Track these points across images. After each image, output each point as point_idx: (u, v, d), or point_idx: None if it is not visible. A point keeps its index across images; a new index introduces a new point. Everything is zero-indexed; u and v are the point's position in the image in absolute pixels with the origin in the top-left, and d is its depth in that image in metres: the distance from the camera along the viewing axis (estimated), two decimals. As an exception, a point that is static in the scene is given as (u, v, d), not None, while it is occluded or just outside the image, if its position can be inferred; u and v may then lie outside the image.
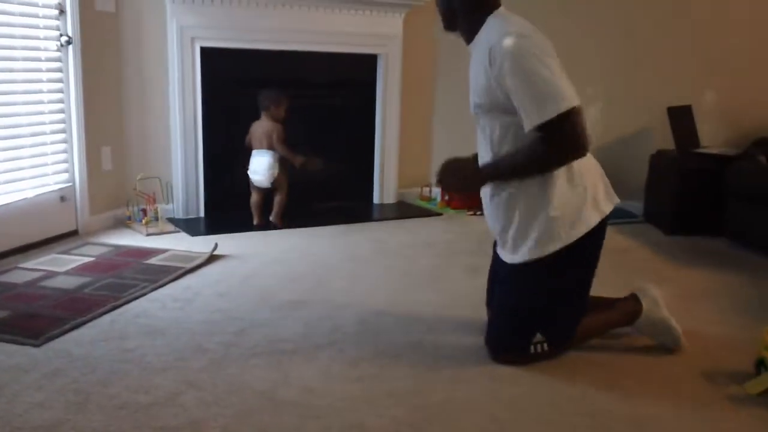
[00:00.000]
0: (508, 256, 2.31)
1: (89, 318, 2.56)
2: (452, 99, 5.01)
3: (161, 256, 3.39)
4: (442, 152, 4.94)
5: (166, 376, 2.11)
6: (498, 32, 2.11)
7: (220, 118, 4.34)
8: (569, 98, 2.04)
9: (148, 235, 3.85)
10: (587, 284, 2.32)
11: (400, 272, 3.30)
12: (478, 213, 4.68)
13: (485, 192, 2.35)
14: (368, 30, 4.63)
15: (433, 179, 2.29)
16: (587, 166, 2.24)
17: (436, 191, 4.92)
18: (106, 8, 3.89)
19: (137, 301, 2.78)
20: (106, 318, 2.58)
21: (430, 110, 5.07)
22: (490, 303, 2.55)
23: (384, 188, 4.93)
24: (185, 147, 4.22)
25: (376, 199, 4.93)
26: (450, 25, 2.34)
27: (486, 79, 2.15)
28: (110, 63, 3.98)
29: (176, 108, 4.17)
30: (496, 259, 2.47)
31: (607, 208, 2.25)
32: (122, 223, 4.06)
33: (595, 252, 2.29)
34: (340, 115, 4.58)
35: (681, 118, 4.28)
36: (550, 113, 2.03)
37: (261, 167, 4.06)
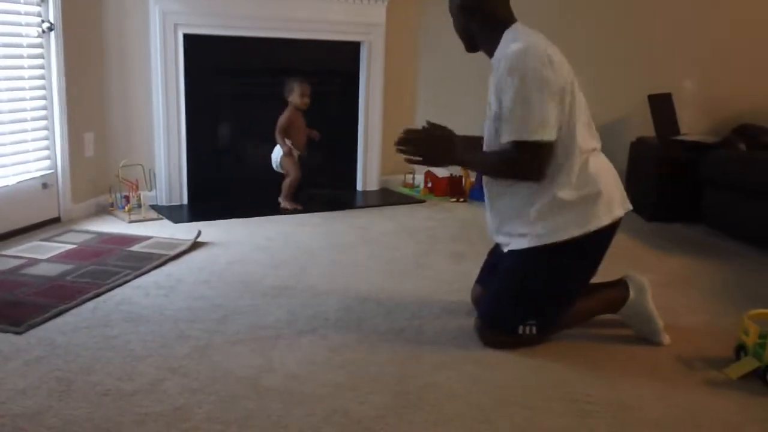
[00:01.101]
0: (516, 242, 2.32)
1: (72, 305, 2.55)
2: (434, 87, 5.03)
3: (144, 243, 3.38)
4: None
5: (149, 363, 2.11)
6: (513, 43, 2.20)
7: (203, 105, 4.32)
8: (543, 131, 2.14)
9: (130, 222, 3.83)
10: (585, 281, 2.35)
11: (383, 259, 3.31)
12: (461, 200, 4.70)
13: (490, 183, 2.38)
14: (351, 18, 4.63)
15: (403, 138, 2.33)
16: (604, 169, 2.30)
17: (419, 178, 4.93)
18: (88, -6, 3.86)
19: (120, 288, 2.78)
20: (89, 305, 2.58)
21: (413, 98, 5.08)
22: (482, 280, 2.57)
23: (367, 175, 4.94)
24: (168, 134, 4.20)
25: (359, 186, 4.93)
26: (471, 47, 2.41)
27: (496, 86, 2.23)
28: (92, 49, 3.95)
29: (159, 95, 4.15)
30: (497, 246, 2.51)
31: (619, 213, 2.29)
32: (105, 210, 4.05)
33: (599, 252, 2.34)
34: (324, 103, 4.57)
35: (661, 105, 4.31)
36: (522, 137, 2.14)
37: (273, 154, 4.29)
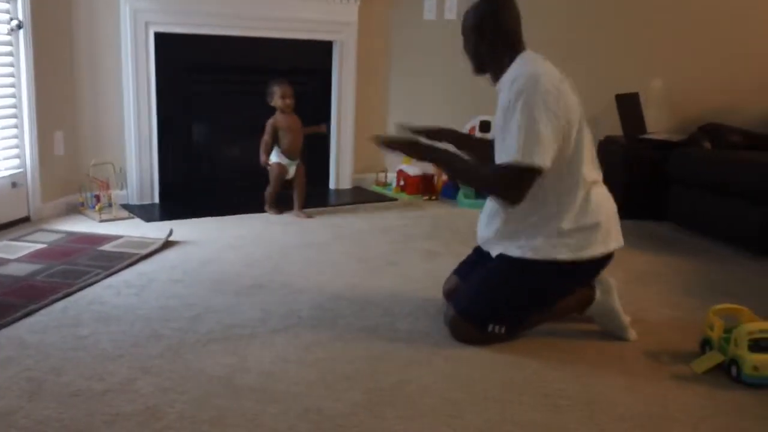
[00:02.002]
0: (510, 250, 2.35)
1: (42, 305, 2.53)
2: (406, 86, 5.05)
3: (115, 243, 3.36)
4: (398, 138, 4.97)
5: (120, 363, 2.10)
6: (525, 67, 2.24)
7: (175, 104, 4.30)
8: (542, 158, 2.16)
9: (101, 221, 3.80)
10: (563, 299, 2.39)
11: (356, 257, 3.32)
12: (433, 198, 4.73)
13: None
14: (324, 17, 4.63)
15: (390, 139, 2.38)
16: (605, 202, 2.36)
17: (392, 176, 4.94)
18: (58, -8, 3.83)
19: (91, 287, 2.75)
20: (59, 305, 2.56)
21: (385, 96, 5.09)
22: (461, 273, 2.60)
23: (340, 174, 4.94)
24: (139, 132, 4.17)
25: (332, 185, 4.94)
26: (479, 69, 2.43)
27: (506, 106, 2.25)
28: (62, 47, 3.91)
29: (130, 93, 4.12)
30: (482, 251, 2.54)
31: (614, 246, 2.34)
32: (75, 210, 4.01)
33: (586, 279, 2.39)
34: (296, 101, 4.57)
35: (628, 104, 4.37)
36: (521, 159, 2.16)
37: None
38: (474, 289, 2.40)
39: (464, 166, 2.45)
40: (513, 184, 2.23)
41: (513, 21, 2.35)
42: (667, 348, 2.36)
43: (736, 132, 4.17)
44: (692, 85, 4.63)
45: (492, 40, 2.33)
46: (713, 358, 2.18)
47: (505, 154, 2.21)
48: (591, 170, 2.33)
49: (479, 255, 2.57)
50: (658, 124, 4.57)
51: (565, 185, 2.27)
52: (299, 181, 4.16)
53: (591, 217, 2.28)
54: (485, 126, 4.64)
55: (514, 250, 2.33)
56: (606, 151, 4.41)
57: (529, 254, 2.29)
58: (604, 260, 2.35)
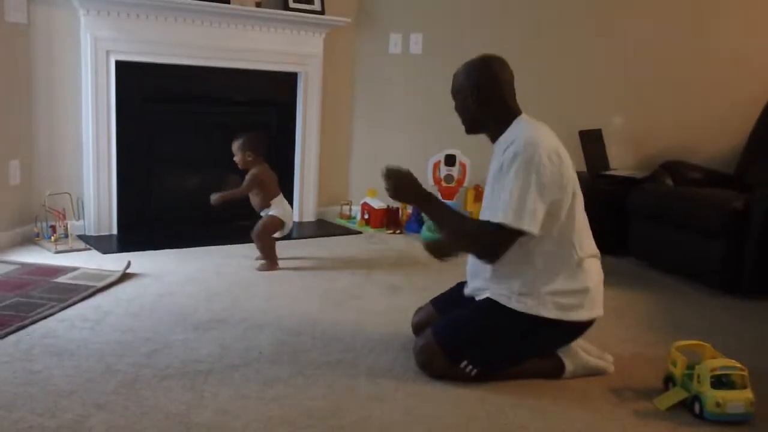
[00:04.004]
0: (498, 297, 2.32)
1: (-8, 339, 2.45)
2: (371, 119, 5.06)
3: (71, 275, 3.28)
4: (361, 171, 4.97)
5: (73, 399, 2.03)
6: (523, 132, 2.25)
7: (135, 134, 4.24)
8: (530, 223, 2.18)
9: (57, 252, 3.71)
10: (540, 354, 2.38)
11: (318, 291, 3.28)
12: (397, 231, 4.72)
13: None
14: (288, 48, 4.64)
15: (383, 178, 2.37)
16: (596, 270, 2.37)
17: (356, 209, 4.93)
18: (17, 19, 3.77)
19: (45, 321, 2.68)
20: (12, 338, 2.48)
21: (350, 129, 5.10)
22: (439, 305, 2.59)
23: (303, 206, 4.91)
24: (98, 162, 4.10)
25: (295, 218, 4.89)
26: (473, 129, 2.44)
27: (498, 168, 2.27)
28: (20, 74, 3.85)
29: (89, 122, 4.06)
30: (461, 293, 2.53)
31: (595, 314, 2.35)
32: (30, 240, 3.91)
33: (566, 339, 2.38)
34: (260, 131, 4.56)
35: (592, 141, 4.43)
36: (510, 221, 2.17)
37: (291, 212, 3.90)
38: (458, 321, 2.37)
39: (451, 212, 2.41)
40: (496, 245, 2.24)
41: (507, 84, 2.35)
42: (630, 384, 2.35)
43: (696, 169, 4.25)
44: (653, 123, 4.73)
45: (491, 106, 2.34)
46: (676, 395, 2.18)
47: (494, 213, 2.21)
48: (585, 240, 2.35)
49: (460, 292, 2.55)
50: (620, 161, 4.64)
51: (556, 251, 2.28)
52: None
53: (581, 282, 2.30)
54: (450, 159, 4.67)
55: (501, 298, 2.31)
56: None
57: (517, 307, 2.28)
58: (586, 325, 2.36)
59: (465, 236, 2.34)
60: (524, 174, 2.18)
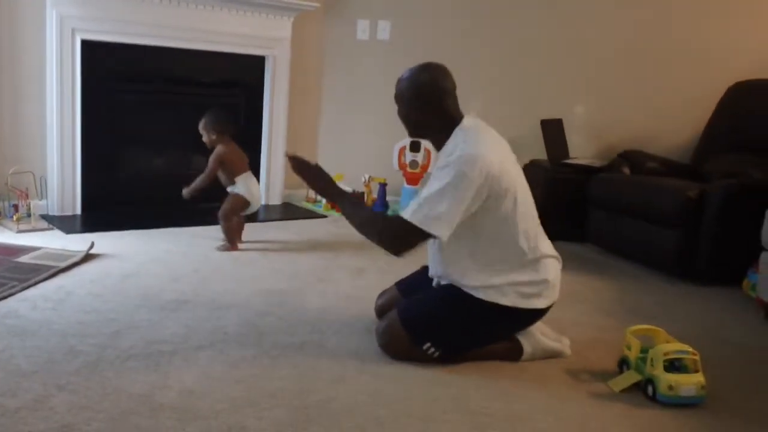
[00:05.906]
0: (460, 284, 2.37)
1: (-48, 319, 2.43)
2: (338, 102, 5.07)
3: (33, 254, 3.25)
4: (328, 155, 4.98)
5: (35, 379, 2.03)
6: (466, 144, 2.25)
7: (100, 113, 4.20)
8: (438, 227, 2.21)
9: (19, 232, 3.68)
10: (501, 338, 2.43)
11: (284, 273, 3.30)
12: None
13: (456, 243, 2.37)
14: (256, 31, 4.62)
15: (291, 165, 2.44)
16: (553, 268, 2.41)
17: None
18: (-22, -6, 3.71)
19: (5, 300, 2.66)
20: (-28, 319, 2.46)
21: (317, 112, 5.10)
22: (403, 287, 2.63)
23: (270, 189, 4.92)
24: (62, 141, 4.06)
25: (262, 201, 4.89)
26: (416, 134, 2.47)
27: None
28: (-19, 51, 3.79)
29: (53, 100, 4.01)
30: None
31: (551, 301, 2.41)
32: (-9, 219, 3.87)
33: (525, 324, 2.43)
34: (229, 114, 4.54)
35: (553, 130, 4.49)
36: (419, 221, 2.21)
37: (259, 190, 3.88)
38: (422, 305, 2.41)
39: (357, 203, 2.48)
40: (399, 241, 2.28)
41: (448, 93, 2.36)
42: (587, 367, 2.41)
43: (654, 159, 4.34)
44: (613, 114, 4.81)
45: (433, 112, 2.35)
46: (630, 378, 2.25)
47: (409, 211, 2.25)
48: (541, 242, 2.40)
49: (424, 275, 2.59)
50: (580, 150, 4.72)
51: (501, 252, 2.32)
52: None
53: (540, 275, 2.35)
54: (415, 145, 4.70)
55: (465, 287, 2.35)
56: (531, 174, 4.51)
57: (479, 294, 2.32)
58: (544, 311, 2.41)
59: (369, 226, 2.37)
60: (449, 182, 2.20)
